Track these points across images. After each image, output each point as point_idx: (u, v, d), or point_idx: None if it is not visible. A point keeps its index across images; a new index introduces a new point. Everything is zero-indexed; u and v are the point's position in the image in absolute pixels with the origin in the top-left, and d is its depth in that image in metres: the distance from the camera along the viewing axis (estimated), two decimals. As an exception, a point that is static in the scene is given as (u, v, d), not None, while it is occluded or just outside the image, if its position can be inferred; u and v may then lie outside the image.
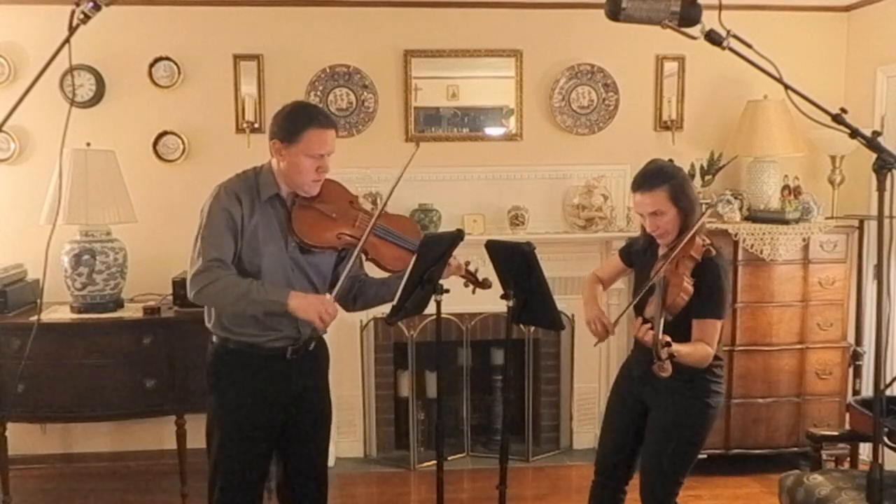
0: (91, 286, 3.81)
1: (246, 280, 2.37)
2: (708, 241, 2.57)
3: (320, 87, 4.37)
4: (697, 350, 2.48)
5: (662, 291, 2.42)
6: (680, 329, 2.47)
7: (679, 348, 2.33)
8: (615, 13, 1.86)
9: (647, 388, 2.65)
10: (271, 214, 2.46)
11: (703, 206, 2.76)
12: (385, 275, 2.64)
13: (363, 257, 2.55)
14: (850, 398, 4.10)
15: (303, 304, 2.34)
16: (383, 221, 2.55)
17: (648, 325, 2.37)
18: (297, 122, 2.41)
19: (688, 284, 2.44)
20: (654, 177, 2.57)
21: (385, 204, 2.55)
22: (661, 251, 2.64)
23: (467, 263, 2.70)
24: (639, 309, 2.58)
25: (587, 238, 4.42)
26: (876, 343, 1.82)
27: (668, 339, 2.27)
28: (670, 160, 2.67)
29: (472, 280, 2.70)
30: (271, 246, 2.45)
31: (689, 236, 2.50)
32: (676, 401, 2.59)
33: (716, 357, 2.61)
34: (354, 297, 2.68)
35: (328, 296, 2.39)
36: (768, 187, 4.32)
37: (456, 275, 2.65)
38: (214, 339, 2.56)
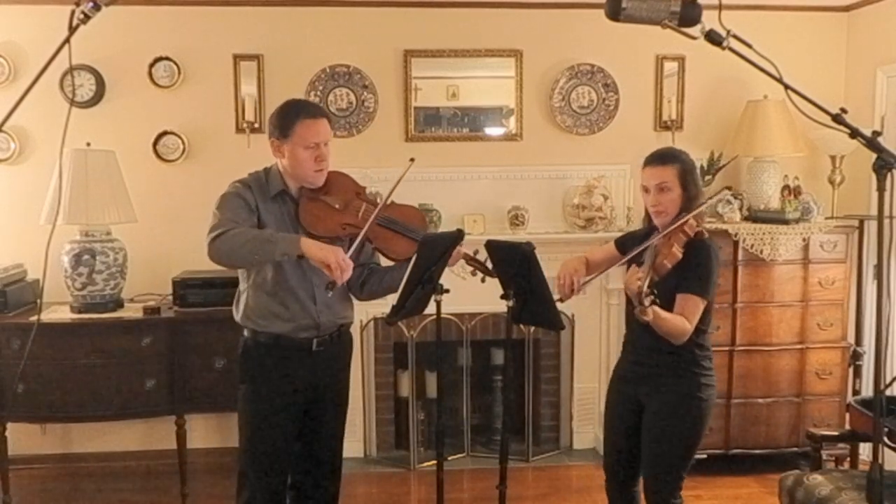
0: (91, 286, 3.81)
1: (258, 229, 2.48)
2: (701, 227, 2.62)
3: (320, 87, 4.37)
4: (675, 320, 2.51)
5: (652, 255, 2.51)
6: (665, 304, 2.50)
7: (658, 311, 2.39)
8: (615, 13, 1.86)
9: (641, 387, 2.70)
10: (282, 209, 2.59)
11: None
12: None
13: (369, 246, 2.61)
14: (850, 398, 4.10)
15: (317, 245, 2.38)
16: (388, 212, 2.62)
17: (636, 271, 2.40)
18: (287, 116, 2.55)
19: (676, 251, 2.50)
20: (668, 155, 2.70)
21: (389, 196, 2.58)
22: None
23: (475, 252, 2.71)
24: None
25: (587, 238, 4.41)
26: (876, 343, 1.82)
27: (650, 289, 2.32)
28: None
29: (481, 268, 2.71)
30: None
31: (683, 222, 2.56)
32: (669, 399, 2.62)
33: (703, 347, 2.64)
34: (362, 284, 2.76)
35: None
36: (768, 187, 4.32)
37: (455, 262, 2.66)
38: (245, 332, 2.67)
